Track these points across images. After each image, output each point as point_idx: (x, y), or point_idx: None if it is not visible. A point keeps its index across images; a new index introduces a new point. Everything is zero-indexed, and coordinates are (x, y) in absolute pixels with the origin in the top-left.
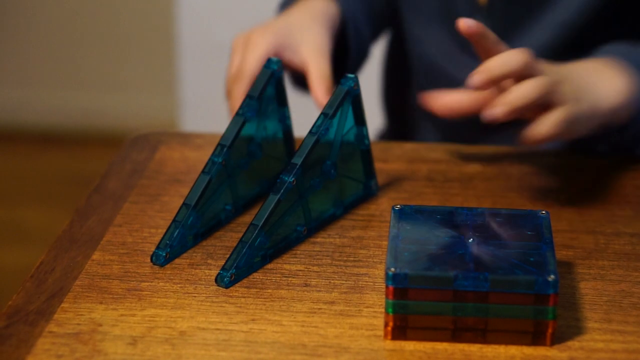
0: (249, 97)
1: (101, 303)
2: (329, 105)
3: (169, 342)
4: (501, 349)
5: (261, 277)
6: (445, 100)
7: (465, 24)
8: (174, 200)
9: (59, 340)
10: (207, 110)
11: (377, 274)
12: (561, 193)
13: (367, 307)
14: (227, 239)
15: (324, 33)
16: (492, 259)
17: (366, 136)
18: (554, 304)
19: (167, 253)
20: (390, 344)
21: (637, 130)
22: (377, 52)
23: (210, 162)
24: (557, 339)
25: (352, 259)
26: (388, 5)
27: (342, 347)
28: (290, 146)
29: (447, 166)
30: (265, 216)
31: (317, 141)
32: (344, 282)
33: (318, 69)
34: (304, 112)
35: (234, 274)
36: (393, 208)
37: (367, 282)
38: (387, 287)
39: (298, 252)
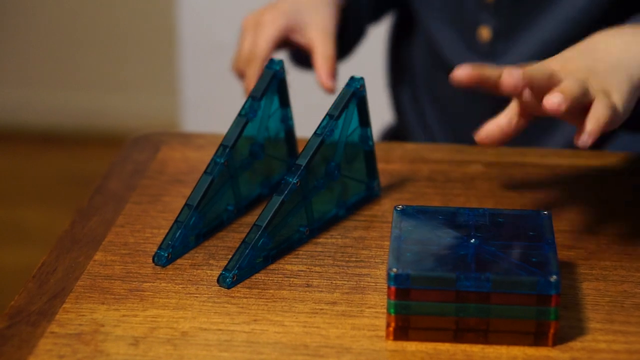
0: (251, 97)
1: (103, 303)
2: (334, 106)
3: (171, 342)
4: (503, 350)
5: (263, 278)
6: (489, 130)
7: (460, 74)
8: (176, 200)
9: (61, 340)
10: (208, 110)
11: (379, 274)
12: (563, 193)
13: (369, 307)
14: (229, 240)
15: (330, 13)
16: (494, 260)
17: (370, 137)
18: (556, 304)
19: (169, 253)
20: (392, 344)
21: None
22: (381, 45)
23: (213, 162)
24: (559, 340)
25: (354, 259)
26: None
27: (344, 347)
28: (292, 147)
29: (449, 166)
30: (269, 217)
31: (322, 142)
32: (345, 282)
33: (323, 50)
34: (306, 113)
35: (236, 274)
36: (395, 208)
37: (369, 282)
38: (389, 287)
39: (300, 252)
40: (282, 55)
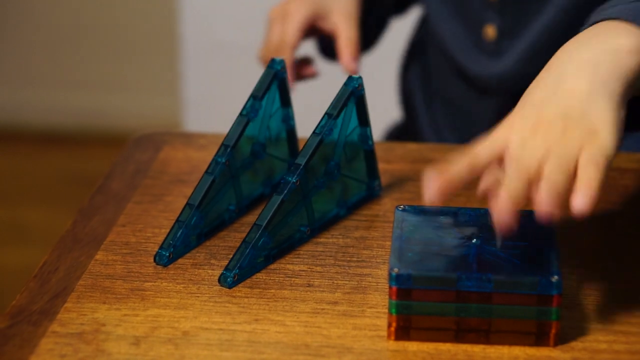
0: (252, 97)
1: (104, 303)
2: (333, 105)
3: (172, 342)
4: (504, 350)
5: (264, 278)
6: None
7: (430, 193)
8: (178, 200)
9: (62, 340)
10: (210, 110)
11: (381, 274)
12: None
13: (371, 307)
14: (231, 239)
15: (353, 0)
16: (496, 260)
17: (370, 137)
18: (558, 304)
19: (170, 253)
20: (393, 344)
21: None
22: (392, 44)
23: (214, 162)
24: (561, 340)
25: (355, 259)
26: None
27: (345, 347)
28: (293, 146)
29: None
30: (269, 216)
31: (321, 141)
32: (347, 282)
33: (347, 34)
34: (307, 113)
35: (237, 274)
36: (396, 208)
37: (370, 282)
38: (390, 287)
39: (301, 252)
40: (309, 47)
